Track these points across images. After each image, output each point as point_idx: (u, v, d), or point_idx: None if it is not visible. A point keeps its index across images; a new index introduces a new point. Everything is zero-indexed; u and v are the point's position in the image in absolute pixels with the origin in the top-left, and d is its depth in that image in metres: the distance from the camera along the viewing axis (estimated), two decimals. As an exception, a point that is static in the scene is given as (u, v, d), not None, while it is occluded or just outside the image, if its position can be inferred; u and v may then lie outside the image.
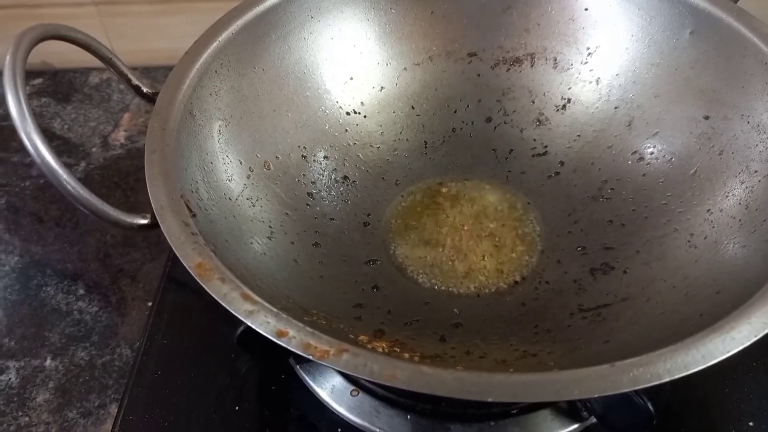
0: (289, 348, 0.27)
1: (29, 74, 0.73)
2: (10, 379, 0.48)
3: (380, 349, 0.34)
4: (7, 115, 0.68)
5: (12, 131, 0.66)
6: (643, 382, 0.26)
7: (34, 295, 0.53)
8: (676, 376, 0.27)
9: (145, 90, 0.40)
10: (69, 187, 0.30)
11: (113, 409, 0.46)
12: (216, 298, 0.29)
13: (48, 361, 0.49)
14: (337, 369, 0.27)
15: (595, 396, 0.28)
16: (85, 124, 0.67)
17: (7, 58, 0.28)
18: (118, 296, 0.53)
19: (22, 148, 0.65)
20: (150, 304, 0.51)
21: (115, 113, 0.68)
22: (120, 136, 0.66)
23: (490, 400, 0.26)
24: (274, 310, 0.29)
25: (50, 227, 0.58)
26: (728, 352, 0.27)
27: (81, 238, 0.57)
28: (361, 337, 0.35)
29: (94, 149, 0.65)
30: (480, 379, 0.26)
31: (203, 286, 0.30)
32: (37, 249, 0.56)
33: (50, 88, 0.72)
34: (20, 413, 0.46)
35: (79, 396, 0.47)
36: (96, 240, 0.57)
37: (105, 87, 0.71)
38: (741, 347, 0.28)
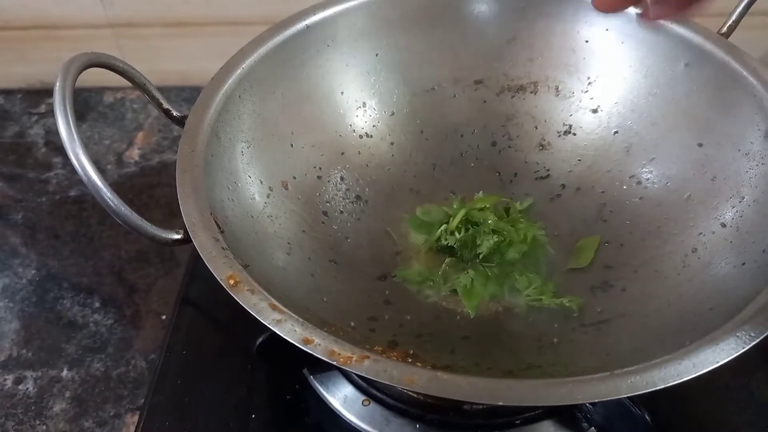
0: (314, 354, 0.29)
1: (45, 93, 0.74)
2: (27, 388, 0.49)
3: (395, 359, 0.36)
4: (23, 133, 0.70)
5: (28, 148, 0.69)
6: (640, 388, 0.28)
7: (51, 308, 0.54)
8: (670, 383, 0.28)
9: (174, 113, 0.42)
10: (112, 204, 0.31)
11: (128, 418, 0.47)
12: (246, 308, 0.31)
13: (65, 372, 0.50)
14: (359, 374, 0.28)
15: (597, 400, 0.30)
16: (100, 142, 0.68)
17: (57, 84, 0.31)
18: (132, 309, 0.53)
19: (37, 165, 0.67)
20: (164, 317, 0.52)
21: (129, 132, 0.70)
22: (134, 154, 0.67)
23: (500, 403, 0.27)
24: (300, 319, 0.30)
25: (66, 242, 0.59)
26: (717, 362, 0.29)
27: (96, 253, 0.58)
28: (376, 348, 0.36)
29: (109, 167, 0.66)
30: (491, 384, 0.28)
31: (234, 296, 0.31)
32: (54, 263, 0.57)
33: (66, 107, 0.73)
34: (38, 422, 0.47)
35: (95, 406, 0.48)
36: (111, 255, 0.57)
37: (119, 106, 0.72)
38: (729, 358, 0.29)
